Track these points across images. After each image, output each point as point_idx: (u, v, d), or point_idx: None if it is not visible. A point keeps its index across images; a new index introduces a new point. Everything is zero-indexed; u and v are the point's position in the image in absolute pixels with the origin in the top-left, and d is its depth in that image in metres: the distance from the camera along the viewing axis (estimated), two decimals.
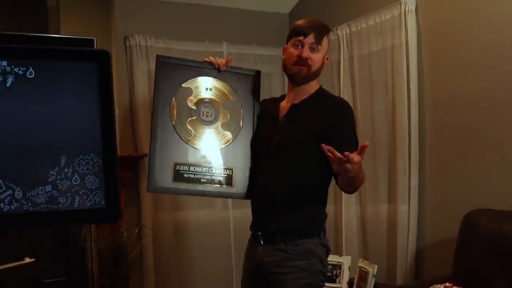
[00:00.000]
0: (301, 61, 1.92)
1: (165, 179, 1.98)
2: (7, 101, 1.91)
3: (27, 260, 2.57)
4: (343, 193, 3.46)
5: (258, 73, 2.18)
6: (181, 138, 2.00)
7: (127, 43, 3.59)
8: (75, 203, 1.99)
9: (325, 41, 1.97)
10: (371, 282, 2.95)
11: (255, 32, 4.03)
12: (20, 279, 3.14)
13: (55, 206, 1.96)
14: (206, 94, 2.07)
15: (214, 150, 2.04)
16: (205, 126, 2.05)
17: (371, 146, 3.31)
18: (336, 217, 3.57)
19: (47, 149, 1.96)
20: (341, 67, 3.55)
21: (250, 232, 2.06)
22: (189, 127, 2.02)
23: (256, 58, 4.01)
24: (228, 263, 3.83)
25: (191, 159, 2.00)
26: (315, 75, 1.98)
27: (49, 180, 1.95)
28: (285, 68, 2.00)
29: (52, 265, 3.48)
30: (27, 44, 3.07)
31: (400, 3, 3.04)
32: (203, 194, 2.04)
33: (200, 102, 2.06)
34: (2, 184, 1.89)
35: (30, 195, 1.92)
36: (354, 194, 3.45)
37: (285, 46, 2.00)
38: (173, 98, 2.02)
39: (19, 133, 1.92)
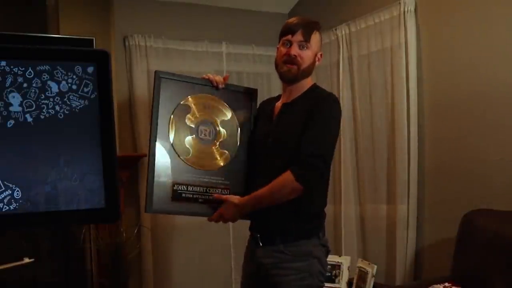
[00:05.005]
0: (290, 59, 1.92)
1: (163, 199, 1.92)
2: (6, 102, 1.91)
3: (27, 260, 2.57)
4: (342, 192, 3.49)
5: (255, 91, 2.16)
6: (179, 157, 1.96)
7: (127, 43, 3.59)
8: (74, 203, 1.99)
9: (314, 37, 1.95)
10: (370, 282, 2.96)
11: (254, 32, 4.03)
12: (20, 279, 3.14)
13: (55, 206, 1.96)
14: (204, 112, 2.04)
15: (212, 170, 2.00)
16: (203, 145, 2.01)
17: (371, 145, 3.33)
18: (335, 217, 3.58)
19: (46, 149, 1.96)
20: (340, 68, 3.56)
21: (249, 233, 2.06)
22: (187, 146, 1.98)
23: (255, 58, 4.01)
24: (227, 263, 3.83)
25: (189, 178, 1.96)
26: (306, 73, 1.96)
27: (48, 180, 1.95)
28: (276, 67, 2.00)
29: (51, 265, 3.48)
30: (26, 44, 3.06)
31: (400, 3, 3.04)
32: (201, 214, 1.99)
33: (199, 120, 2.02)
34: (1, 184, 1.89)
35: (29, 195, 1.92)
36: (353, 194, 3.47)
37: (278, 46, 2.00)
38: (172, 115, 1.98)
39: (18, 133, 1.92)
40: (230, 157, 2.05)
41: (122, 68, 3.61)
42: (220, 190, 1.99)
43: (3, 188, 1.89)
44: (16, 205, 1.90)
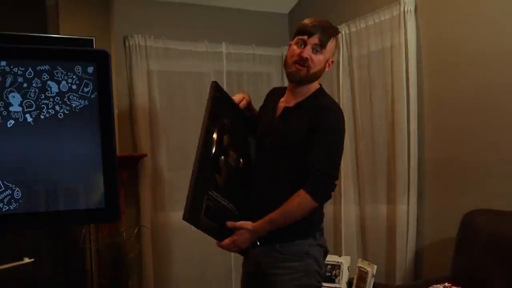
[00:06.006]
0: (301, 60, 1.88)
1: (199, 210, 1.83)
2: (6, 102, 1.91)
3: (26, 260, 2.56)
4: (342, 193, 3.49)
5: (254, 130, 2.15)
6: (215, 173, 1.89)
7: (127, 43, 3.59)
8: (75, 203, 1.99)
9: (331, 44, 1.91)
10: (370, 282, 2.96)
11: (254, 32, 4.03)
12: (19, 279, 3.14)
13: (54, 206, 1.96)
14: (234, 138, 2.00)
15: (230, 196, 1.95)
16: (229, 169, 1.95)
17: (371, 146, 3.33)
18: (335, 217, 3.57)
19: (46, 149, 1.97)
20: (340, 67, 3.55)
21: None
22: (221, 165, 1.92)
23: (255, 58, 4.01)
24: (227, 263, 3.83)
25: (217, 198, 1.89)
26: (314, 77, 1.93)
27: (49, 180, 1.96)
28: (285, 65, 1.97)
29: (51, 265, 3.47)
30: (26, 44, 3.06)
31: (400, 3, 3.04)
32: (215, 237, 1.93)
33: (230, 144, 1.96)
34: (1, 184, 1.89)
35: (29, 195, 1.92)
36: (353, 194, 3.47)
37: (291, 42, 1.96)
38: (216, 131, 1.89)
39: (18, 133, 1.92)
40: (242, 187, 2.02)
41: (122, 68, 3.61)
42: (231, 217, 1.95)
43: (3, 188, 1.89)
44: (16, 205, 1.90)
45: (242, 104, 2.07)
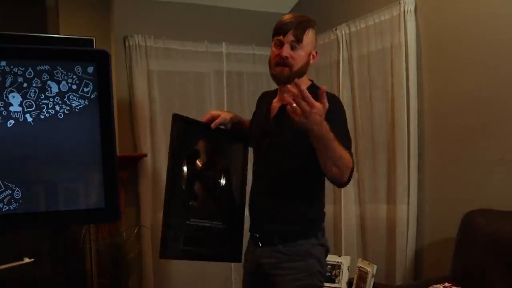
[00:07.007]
0: (282, 60, 1.87)
1: (176, 244, 1.86)
2: (6, 102, 1.91)
3: (26, 260, 2.56)
4: (342, 193, 3.49)
5: (246, 138, 2.15)
6: (189, 201, 1.92)
7: (126, 43, 3.59)
8: (74, 203, 1.99)
9: (307, 37, 1.89)
10: (370, 282, 2.96)
11: (254, 32, 4.03)
12: (19, 279, 3.14)
13: (54, 206, 1.96)
14: (210, 157, 2.01)
15: (212, 215, 1.97)
16: (207, 191, 1.98)
17: (371, 146, 3.33)
18: (335, 217, 3.58)
19: (46, 149, 1.96)
20: (340, 67, 3.55)
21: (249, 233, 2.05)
22: (196, 191, 1.94)
23: (255, 58, 4.01)
24: (227, 263, 3.82)
25: (197, 223, 1.91)
26: (299, 73, 1.90)
27: (49, 180, 1.95)
28: (269, 68, 1.96)
29: (51, 265, 3.47)
30: (26, 44, 3.07)
31: (400, 3, 3.04)
32: (208, 259, 1.98)
33: (205, 165, 1.98)
34: (1, 184, 1.89)
35: (29, 195, 1.92)
36: (353, 194, 3.46)
37: (271, 45, 1.96)
38: (185, 159, 1.92)
39: (18, 133, 1.92)
40: (227, 202, 2.04)
41: (122, 68, 3.61)
42: (217, 234, 1.98)
43: (3, 188, 1.88)
44: (16, 205, 1.90)
45: (214, 123, 2.00)
